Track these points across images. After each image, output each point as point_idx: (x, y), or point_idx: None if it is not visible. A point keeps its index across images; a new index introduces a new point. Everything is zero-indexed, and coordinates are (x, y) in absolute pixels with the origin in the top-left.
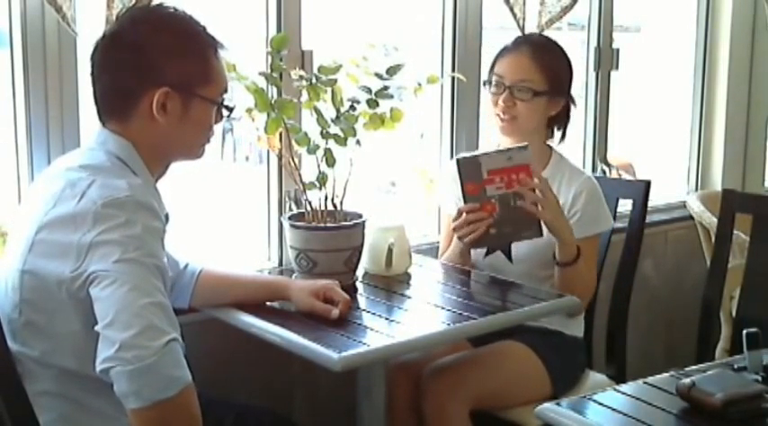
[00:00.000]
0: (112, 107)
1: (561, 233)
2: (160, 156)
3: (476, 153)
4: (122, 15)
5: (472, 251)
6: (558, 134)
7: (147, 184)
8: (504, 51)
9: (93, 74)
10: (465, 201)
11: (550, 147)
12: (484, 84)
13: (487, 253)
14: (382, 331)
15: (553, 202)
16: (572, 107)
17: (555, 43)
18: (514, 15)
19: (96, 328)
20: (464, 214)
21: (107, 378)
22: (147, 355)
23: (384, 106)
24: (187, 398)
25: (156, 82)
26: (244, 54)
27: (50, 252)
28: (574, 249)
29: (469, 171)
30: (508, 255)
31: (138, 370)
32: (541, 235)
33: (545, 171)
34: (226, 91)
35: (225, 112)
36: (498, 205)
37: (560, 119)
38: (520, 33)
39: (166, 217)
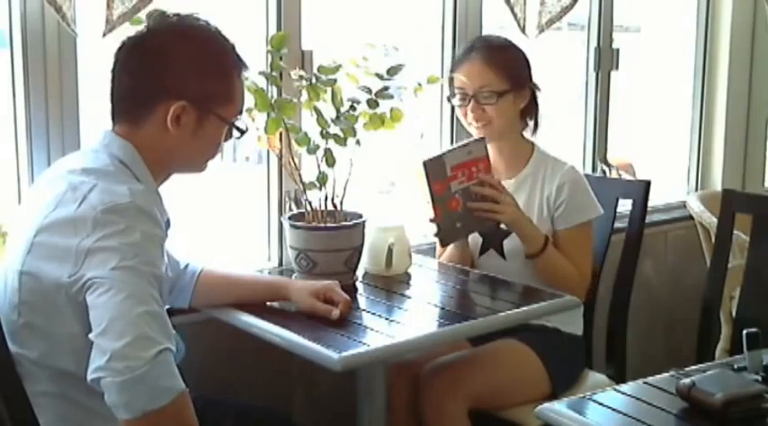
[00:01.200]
0: (126, 109)
1: (521, 231)
2: (164, 165)
3: (438, 152)
4: (154, 19)
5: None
6: (531, 125)
7: (149, 190)
8: (456, 64)
9: (113, 71)
10: (433, 201)
11: (532, 143)
12: (448, 100)
13: (481, 253)
14: (382, 331)
15: (510, 204)
16: (537, 94)
17: (503, 39)
18: (515, 15)
19: (90, 336)
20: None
21: (98, 388)
22: (138, 366)
23: (384, 106)
24: (179, 407)
25: (175, 94)
26: (244, 54)
27: (49, 255)
28: (537, 241)
29: (436, 171)
30: (500, 253)
31: (128, 382)
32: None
33: (528, 165)
34: (241, 112)
35: (236, 134)
36: (461, 198)
37: (530, 110)
38: (520, 33)
39: (167, 222)
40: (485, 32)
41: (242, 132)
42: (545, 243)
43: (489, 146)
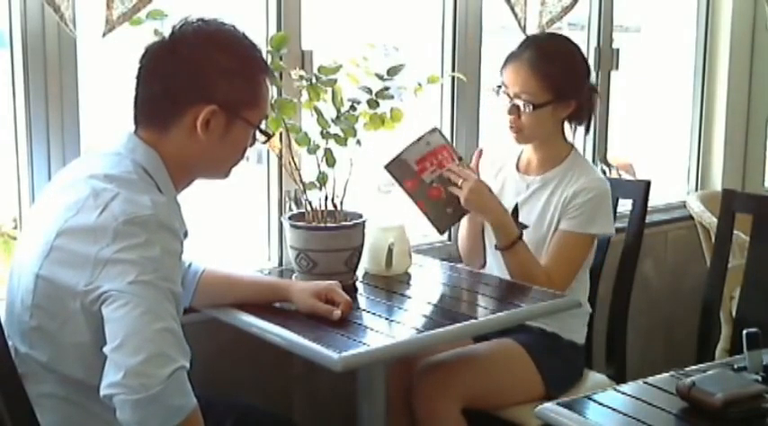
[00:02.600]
0: (154, 114)
1: (484, 214)
2: (188, 171)
3: (397, 152)
4: (183, 26)
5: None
6: (582, 129)
7: (170, 201)
8: (509, 57)
9: (139, 77)
10: (413, 199)
11: (571, 146)
12: (495, 91)
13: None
14: (382, 331)
15: (472, 180)
16: (595, 98)
17: (559, 44)
18: (515, 15)
19: (104, 350)
20: None
21: (110, 403)
22: (153, 384)
23: (384, 106)
24: (191, 424)
25: (206, 99)
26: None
27: (67, 261)
28: (507, 234)
29: (401, 171)
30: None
31: (143, 400)
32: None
33: (558, 167)
34: (266, 117)
35: (262, 138)
36: (441, 185)
37: (577, 116)
38: (521, 33)
39: (185, 234)
40: (485, 32)
41: (268, 136)
42: (514, 240)
43: (525, 148)
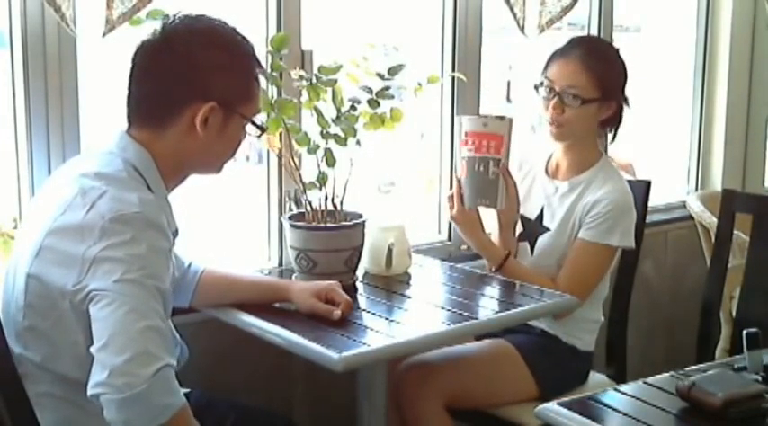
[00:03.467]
0: (151, 114)
1: (466, 239)
2: (181, 168)
3: (467, 115)
4: (174, 23)
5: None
6: (610, 136)
7: (160, 199)
8: (555, 54)
9: (133, 76)
10: (460, 156)
11: (601, 153)
12: (535, 88)
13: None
14: (382, 331)
15: (456, 210)
16: (625, 107)
17: (608, 46)
18: (514, 15)
19: (91, 349)
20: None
21: (98, 403)
22: (138, 383)
23: (384, 106)
24: (179, 423)
25: (204, 96)
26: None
27: (56, 260)
28: (494, 258)
29: (458, 129)
30: (532, 247)
31: (128, 399)
32: (496, 206)
33: (586, 172)
34: (259, 111)
35: (256, 131)
36: (466, 166)
37: (612, 121)
38: (520, 33)
39: (175, 232)
40: (485, 32)
41: (262, 130)
42: (504, 258)
43: (558, 145)
